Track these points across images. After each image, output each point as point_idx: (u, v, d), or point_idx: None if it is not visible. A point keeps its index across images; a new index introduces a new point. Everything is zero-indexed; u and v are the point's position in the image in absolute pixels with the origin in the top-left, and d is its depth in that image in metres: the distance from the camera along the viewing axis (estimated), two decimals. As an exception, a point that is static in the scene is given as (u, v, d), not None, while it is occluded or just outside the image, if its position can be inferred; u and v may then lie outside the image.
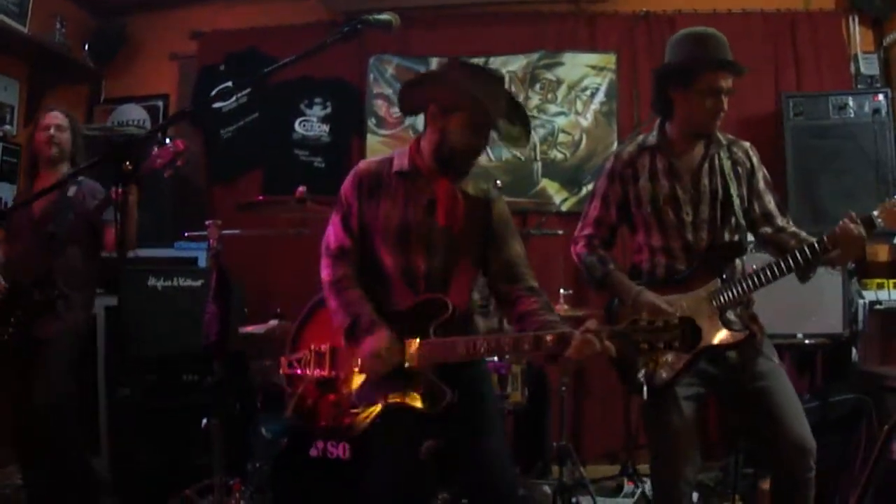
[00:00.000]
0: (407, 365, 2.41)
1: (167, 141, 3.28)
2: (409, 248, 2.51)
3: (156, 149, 3.27)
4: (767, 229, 2.77)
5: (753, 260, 2.82)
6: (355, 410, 2.47)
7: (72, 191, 3.63)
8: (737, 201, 2.71)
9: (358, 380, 2.48)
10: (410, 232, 2.51)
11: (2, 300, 3.49)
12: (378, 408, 2.44)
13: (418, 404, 2.41)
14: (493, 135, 2.52)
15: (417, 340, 2.42)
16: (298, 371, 2.60)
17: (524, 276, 2.55)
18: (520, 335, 2.39)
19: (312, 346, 2.58)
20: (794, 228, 2.76)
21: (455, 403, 2.48)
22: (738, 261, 2.75)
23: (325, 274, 2.59)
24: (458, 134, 2.45)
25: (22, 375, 3.50)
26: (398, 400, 2.43)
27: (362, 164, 2.64)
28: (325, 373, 2.54)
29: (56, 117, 3.75)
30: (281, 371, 2.66)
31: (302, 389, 2.56)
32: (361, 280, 2.57)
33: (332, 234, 2.62)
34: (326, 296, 2.57)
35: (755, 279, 2.62)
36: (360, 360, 2.45)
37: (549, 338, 2.28)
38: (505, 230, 2.60)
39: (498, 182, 3.48)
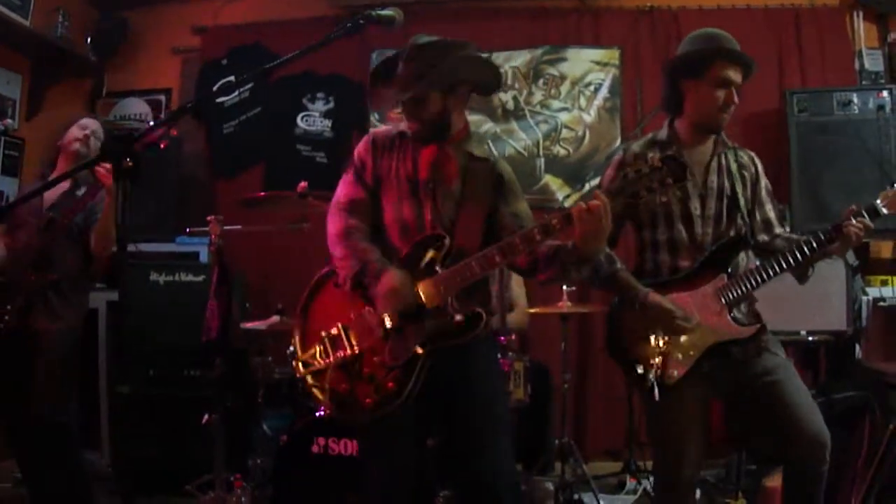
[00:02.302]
0: (430, 305, 2.38)
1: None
2: (417, 202, 2.53)
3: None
4: (765, 237, 2.79)
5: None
6: (396, 371, 2.39)
7: (81, 190, 3.60)
8: (742, 200, 2.73)
9: (386, 342, 2.41)
10: (419, 186, 2.53)
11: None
12: (419, 355, 2.38)
13: (455, 336, 2.39)
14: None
15: (429, 279, 2.40)
16: (317, 366, 2.50)
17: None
18: (527, 229, 2.37)
19: (323, 334, 2.51)
20: (789, 234, 2.80)
21: (455, 400, 2.48)
22: (742, 256, 2.74)
23: (332, 226, 2.56)
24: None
25: (15, 375, 3.44)
26: (434, 339, 2.40)
27: (376, 129, 2.76)
28: (347, 352, 2.46)
29: (95, 124, 3.77)
30: (298, 375, 2.56)
31: (330, 381, 2.46)
32: (370, 232, 2.55)
33: (343, 189, 2.62)
34: (332, 248, 2.55)
35: (763, 272, 2.62)
36: (377, 302, 2.40)
37: (554, 221, 2.30)
38: (515, 187, 2.65)
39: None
